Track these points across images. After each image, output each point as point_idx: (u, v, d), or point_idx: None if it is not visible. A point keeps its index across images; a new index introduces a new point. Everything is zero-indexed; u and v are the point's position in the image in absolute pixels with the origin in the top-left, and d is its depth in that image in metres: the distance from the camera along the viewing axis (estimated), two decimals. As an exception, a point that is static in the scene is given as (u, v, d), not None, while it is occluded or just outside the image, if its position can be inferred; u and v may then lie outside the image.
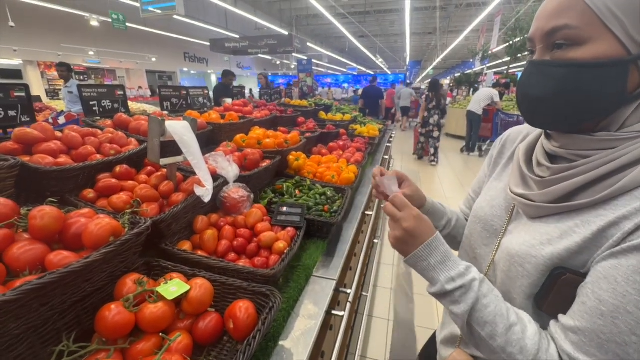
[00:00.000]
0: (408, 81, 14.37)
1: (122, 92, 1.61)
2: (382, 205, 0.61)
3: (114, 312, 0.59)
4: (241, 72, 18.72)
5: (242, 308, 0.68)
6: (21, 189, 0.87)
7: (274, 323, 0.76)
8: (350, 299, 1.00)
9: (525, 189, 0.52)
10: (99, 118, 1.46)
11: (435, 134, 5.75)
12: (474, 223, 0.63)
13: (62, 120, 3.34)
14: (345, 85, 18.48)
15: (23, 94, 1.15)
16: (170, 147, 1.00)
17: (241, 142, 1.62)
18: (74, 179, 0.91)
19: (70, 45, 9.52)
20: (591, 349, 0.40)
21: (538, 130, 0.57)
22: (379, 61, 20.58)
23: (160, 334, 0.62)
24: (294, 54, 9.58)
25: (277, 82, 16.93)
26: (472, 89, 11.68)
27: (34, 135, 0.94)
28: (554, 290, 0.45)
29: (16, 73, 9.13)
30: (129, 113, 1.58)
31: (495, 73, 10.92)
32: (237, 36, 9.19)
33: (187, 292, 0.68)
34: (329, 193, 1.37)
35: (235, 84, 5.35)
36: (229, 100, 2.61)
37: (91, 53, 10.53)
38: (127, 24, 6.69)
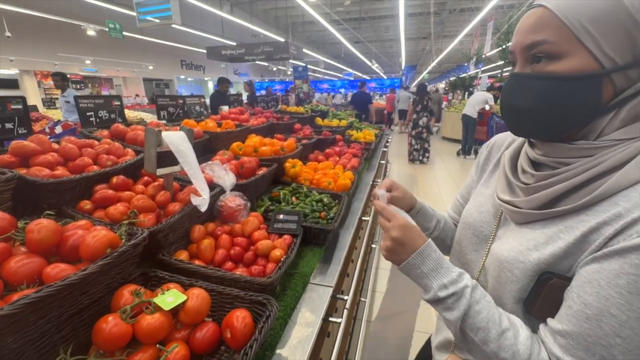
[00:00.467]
0: (404, 85, 14.47)
1: (118, 103, 1.63)
2: (371, 198, 0.62)
3: (111, 324, 0.60)
4: (238, 79, 18.81)
5: (239, 317, 0.69)
6: (18, 202, 0.88)
7: (271, 331, 0.76)
8: (348, 305, 1.01)
9: (511, 196, 0.53)
10: (95, 129, 1.47)
11: (425, 134, 6.12)
12: (464, 229, 0.65)
13: (59, 129, 3.35)
14: (342, 90, 18.60)
15: (20, 107, 1.16)
16: (167, 157, 1.01)
17: (238, 150, 1.63)
18: (71, 190, 0.92)
19: (66, 55, 9.55)
20: (578, 351, 0.41)
21: (522, 137, 0.58)
22: (375, 66, 20.77)
23: (157, 345, 0.62)
24: (290, 61, 9.65)
25: (274, 88, 17.00)
26: (467, 93, 11.80)
27: (31, 147, 0.94)
28: (542, 295, 0.46)
29: (13, 83, 9.14)
30: (125, 123, 1.59)
31: (489, 77, 11.04)
32: (234, 43, 9.26)
33: (184, 303, 0.69)
34: (325, 200, 1.39)
35: (232, 90, 5.38)
36: (225, 108, 2.63)
37: (88, 62, 10.57)
38: (124, 33, 6.74)
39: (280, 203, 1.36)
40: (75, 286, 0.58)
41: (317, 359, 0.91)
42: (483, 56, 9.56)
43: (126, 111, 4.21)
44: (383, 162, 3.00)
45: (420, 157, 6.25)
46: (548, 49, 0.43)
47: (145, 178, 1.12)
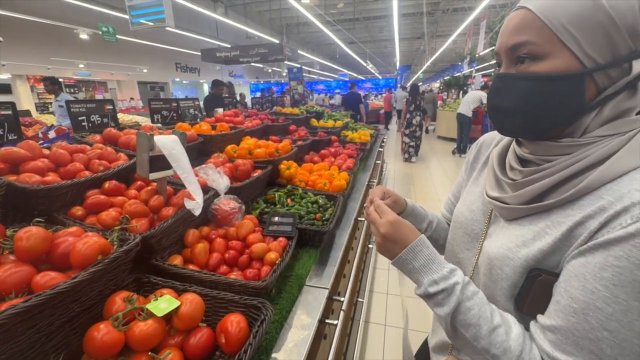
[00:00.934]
0: (401, 85, 14.53)
1: (111, 107, 1.61)
2: (363, 211, 0.63)
3: (102, 332, 0.59)
4: (234, 81, 18.75)
5: (234, 322, 0.68)
6: (8, 209, 0.87)
7: (267, 335, 0.76)
8: (344, 306, 1.00)
9: (500, 192, 0.54)
10: (88, 133, 1.45)
11: (418, 133, 6.35)
12: (455, 228, 0.65)
13: (52, 134, 3.31)
14: (338, 91, 18.63)
15: (9, 112, 1.15)
16: (160, 162, 1.01)
17: (232, 152, 1.63)
18: (62, 196, 0.91)
19: (59, 59, 9.47)
20: (568, 346, 0.41)
21: None
22: (370, 66, 20.83)
23: (150, 353, 0.62)
24: (285, 62, 9.65)
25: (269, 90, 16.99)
26: (461, 92, 11.87)
27: (21, 154, 0.93)
28: (531, 292, 0.46)
29: (5, 87, 9.03)
30: (118, 127, 1.58)
31: (483, 75, 11.13)
32: (228, 45, 9.24)
33: (177, 308, 0.68)
34: (320, 201, 1.38)
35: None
36: (220, 111, 2.62)
37: (81, 66, 10.48)
38: (117, 36, 6.69)
39: (276, 205, 1.36)
40: (65, 294, 0.57)
41: (313, 362, 0.91)
42: (476, 55, 9.62)
43: (121, 115, 4.18)
44: (379, 162, 3.01)
45: (411, 156, 6.45)
46: (531, 50, 0.44)
47: (139, 182, 1.11)
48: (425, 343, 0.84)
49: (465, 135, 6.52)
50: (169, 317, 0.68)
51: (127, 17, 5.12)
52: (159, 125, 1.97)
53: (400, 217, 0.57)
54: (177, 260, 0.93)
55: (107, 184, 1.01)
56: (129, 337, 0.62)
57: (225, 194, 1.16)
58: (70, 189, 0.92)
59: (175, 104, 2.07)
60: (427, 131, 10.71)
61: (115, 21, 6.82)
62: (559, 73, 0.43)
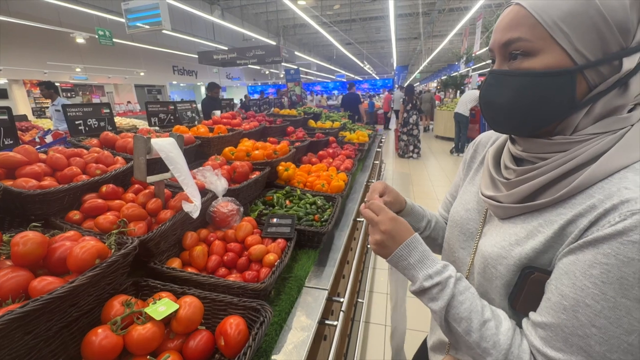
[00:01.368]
0: (397, 85, 14.56)
1: (108, 110, 1.61)
2: (360, 209, 0.63)
3: (100, 336, 0.59)
4: (231, 83, 18.78)
5: (233, 324, 0.68)
6: (5, 213, 0.87)
7: (266, 337, 0.76)
8: (344, 307, 1.00)
9: (494, 191, 0.54)
10: (85, 137, 1.45)
11: (415, 131, 6.52)
12: (452, 227, 0.65)
13: (49, 139, 3.30)
14: (335, 92, 18.65)
15: (5, 117, 1.14)
16: (157, 165, 1.01)
17: (230, 154, 1.63)
18: (59, 201, 0.91)
19: (56, 63, 9.45)
20: (557, 343, 0.41)
21: (505, 135, 0.59)
22: (367, 67, 20.88)
23: (149, 357, 0.61)
24: (282, 63, 9.67)
25: (267, 91, 16.99)
26: (458, 91, 11.91)
27: (17, 158, 0.93)
28: (525, 290, 0.47)
29: (1, 92, 9.01)
30: (115, 131, 1.58)
31: (480, 75, 11.16)
32: (225, 48, 9.24)
33: (176, 311, 0.68)
34: (319, 202, 1.38)
35: (225, 95, 5.36)
36: (217, 113, 2.62)
37: (78, 70, 10.46)
38: (114, 40, 6.69)
39: (274, 207, 1.36)
40: (62, 299, 0.57)
41: (314, 363, 0.91)
42: (473, 55, 9.66)
43: (118, 118, 4.17)
44: (377, 162, 3.01)
45: (412, 154, 6.63)
46: (523, 46, 0.44)
47: (136, 186, 1.11)
48: (424, 343, 0.84)
49: (463, 134, 6.54)
50: (167, 321, 0.68)
51: (123, 20, 5.12)
52: (157, 128, 1.97)
53: (397, 215, 0.57)
54: (175, 263, 0.93)
55: (104, 188, 1.00)
56: (127, 341, 0.61)
57: (224, 196, 1.16)
58: (67, 193, 0.91)
59: (172, 107, 2.07)
60: (425, 130, 10.76)
61: (111, 25, 6.82)
62: (550, 70, 0.43)
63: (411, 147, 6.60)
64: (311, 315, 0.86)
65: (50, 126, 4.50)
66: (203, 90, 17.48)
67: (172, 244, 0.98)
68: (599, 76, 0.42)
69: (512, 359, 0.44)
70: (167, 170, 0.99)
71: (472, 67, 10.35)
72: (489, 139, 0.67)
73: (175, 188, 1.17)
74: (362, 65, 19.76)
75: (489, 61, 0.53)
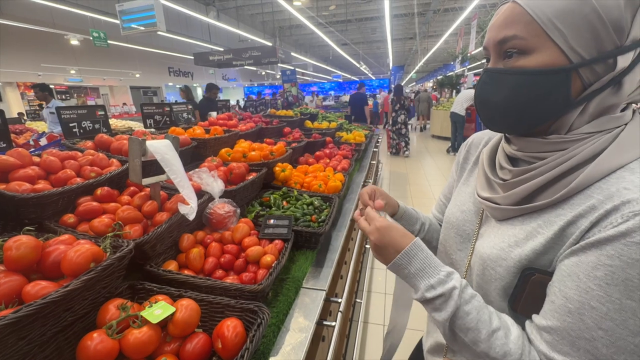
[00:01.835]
0: (393, 85, 14.62)
1: (102, 112, 1.60)
2: (354, 217, 0.63)
3: (96, 341, 0.58)
4: (227, 84, 18.73)
5: (230, 327, 0.67)
6: (-2, 218, 0.86)
7: (264, 339, 0.75)
8: (342, 308, 1.00)
9: (490, 192, 0.53)
10: (79, 140, 1.44)
11: (403, 130, 6.78)
12: (447, 229, 0.65)
13: (43, 141, 3.26)
14: (332, 92, 18.66)
15: (-2, 120, 1.13)
16: (153, 167, 1.00)
17: (226, 156, 1.62)
18: (53, 204, 0.90)
19: (50, 65, 9.37)
20: (564, 347, 0.41)
21: (499, 135, 0.59)
22: (363, 67, 20.92)
23: (145, 360, 0.61)
24: (278, 64, 9.65)
25: (264, 92, 16.96)
26: (454, 91, 11.97)
27: (10, 162, 0.92)
28: (525, 292, 0.46)
29: (-5, 95, 8.92)
30: (110, 133, 1.56)
31: (475, 74, 11.22)
32: (221, 49, 9.23)
33: (172, 314, 0.67)
34: (316, 203, 1.38)
35: (222, 96, 5.36)
36: (213, 114, 2.61)
37: (73, 72, 10.38)
38: (109, 41, 6.64)
39: (271, 208, 1.35)
40: (57, 304, 0.56)
41: (312, 364, 0.90)
42: (468, 54, 9.72)
43: (114, 120, 4.14)
44: (374, 162, 3.02)
45: (403, 151, 6.87)
46: (518, 44, 0.44)
47: (132, 188, 1.10)
48: (420, 344, 0.83)
49: (459, 134, 6.58)
50: (164, 324, 0.68)
51: (118, 22, 5.09)
52: (152, 130, 1.95)
53: (392, 221, 0.56)
54: (172, 265, 0.92)
55: (99, 191, 1.00)
56: (123, 345, 0.61)
57: (220, 197, 1.15)
58: (61, 197, 0.91)
59: (168, 109, 2.06)
60: (422, 129, 10.80)
61: (106, 26, 6.77)
62: (545, 68, 0.43)
63: (402, 144, 6.85)
64: (309, 316, 0.86)
65: (44, 129, 4.46)
66: (199, 91, 17.42)
67: (168, 247, 0.97)
68: (593, 75, 0.42)
69: None
70: (162, 172, 0.99)
71: (468, 67, 10.42)
72: (482, 140, 0.67)
73: (171, 190, 1.17)
74: (358, 65, 19.80)
75: (484, 61, 0.53)
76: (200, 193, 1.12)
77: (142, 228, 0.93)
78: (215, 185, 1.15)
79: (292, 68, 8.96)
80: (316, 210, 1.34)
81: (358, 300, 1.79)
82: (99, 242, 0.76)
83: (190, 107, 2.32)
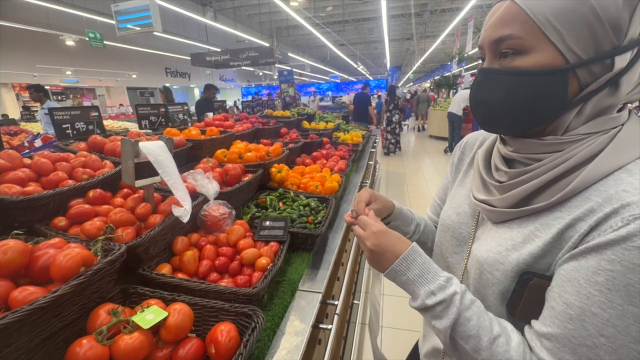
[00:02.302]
0: (394, 85, 14.64)
1: (96, 113, 1.58)
2: (345, 219, 0.63)
3: (85, 347, 0.57)
4: (224, 85, 18.67)
5: (224, 331, 0.66)
6: (-13, 222, 0.84)
7: (258, 343, 0.74)
8: (339, 310, 0.99)
9: (486, 195, 0.52)
10: (72, 141, 1.42)
11: (397, 129, 7.08)
12: (443, 232, 0.63)
13: (38, 142, 3.23)
14: (329, 93, 18.64)
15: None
16: (146, 168, 0.98)
17: (222, 157, 1.61)
18: (44, 207, 0.88)
19: (46, 66, 9.30)
20: (566, 354, 0.40)
21: (494, 135, 0.58)
22: (360, 68, 20.94)
23: (136, 367, 0.59)
24: (276, 65, 9.64)
25: (261, 93, 16.93)
26: (451, 91, 12.01)
27: (0, 164, 0.90)
28: (524, 296, 0.45)
29: (-11, 96, 8.84)
30: (104, 134, 1.55)
31: (472, 75, 11.27)
32: (218, 49, 9.19)
33: (165, 319, 0.66)
34: (312, 204, 1.37)
35: (219, 97, 5.34)
36: (210, 115, 2.59)
37: (68, 72, 10.31)
38: (105, 42, 6.60)
39: (267, 209, 1.34)
40: (45, 309, 0.55)
41: (308, 368, 0.89)
42: (465, 55, 9.75)
43: (110, 121, 4.11)
44: (371, 162, 3.01)
45: (394, 150, 7.11)
46: (514, 44, 0.43)
47: (125, 190, 1.08)
48: (416, 348, 0.82)
49: (456, 134, 6.59)
50: (156, 329, 0.66)
51: (113, 22, 5.06)
52: (148, 131, 1.94)
53: (386, 226, 0.55)
54: (165, 269, 0.91)
55: (91, 193, 0.98)
56: (114, 351, 0.59)
57: (215, 199, 1.14)
58: (52, 199, 0.89)
59: (163, 110, 2.04)
60: (420, 129, 10.84)
61: (102, 27, 6.73)
62: (542, 68, 0.42)
63: (395, 144, 7.09)
64: (305, 319, 0.85)
65: (39, 130, 4.42)
66: (197, 92, 17.37)
67: (161, 250, 0.96)
68: (590, 75, 0.41)
69: None
70: (156, 173, 0.97)
71: (465, 67, 10.44)
72: (476, 140, 0.66)
73: (166, 192, 1.15)
74: (355, 66, 19.82)
75: (481, 64, 0.52)
76: (195, 195, 1.10)
77: (135, 231, 0.91)
78: (210, 186, 1.14)
79: (290, 69, 8.96)
80: (313, 212, 1.33)
81: (355, 301, 1.77)
82: (89, 246, 0.74)
83: (186, 107, 2.30)
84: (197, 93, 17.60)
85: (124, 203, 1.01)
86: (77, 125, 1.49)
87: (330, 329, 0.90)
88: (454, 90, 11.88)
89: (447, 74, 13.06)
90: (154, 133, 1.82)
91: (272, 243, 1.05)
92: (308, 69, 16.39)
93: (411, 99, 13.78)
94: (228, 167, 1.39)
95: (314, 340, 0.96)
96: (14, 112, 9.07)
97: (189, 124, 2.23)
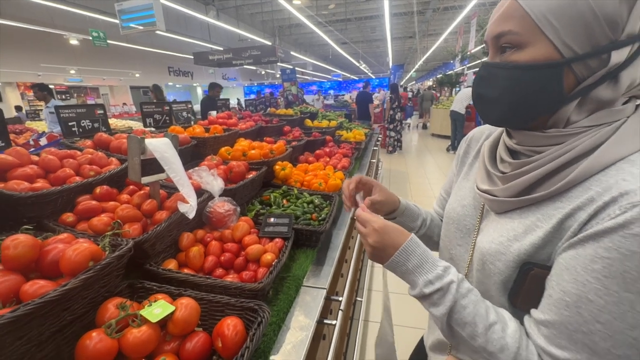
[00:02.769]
0: (396, 84, 14.60)
1: (102, 111, 1.59)
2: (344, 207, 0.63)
3: (95, 340, 0.58)
4: (227, 84, 18.70)
5: (230, 325, 0.67)
6: (-4, 217, 0.85)
7: (264, 338, 0.75)
8: (342, 306, 1.00)
9: (490, 185, 0.53)
10: (78, 139, 1.43)
11: (399, 127, 7.13)
12: (448, 224, 0.64)
13: (43, 141, 3.26)
14: (331, 92, 18.60)
15: (-4, 119, 1.12)
16: (152, 165, 0.99)
17: (226, 154, 1.61)
18: (52, 203, 0.89)
19: (50, 65, 9.36)
20: (562, 340, 0.40)
21: (500, 129, 0.59)
22: (362, 66, 20.88)
23: None
24: (278, 64, 9.64)
25: (264, 92, 16.94)
26: (454, 90, 11.95)
27: (8, 160, 0.91)
28: (524, 286, 0.46)
29: (-6, 95, 8.91)
30: (109, 132, 1.56)
31: (474, 73, 11.18)
32: (221, 48, 9.20)
33: (172, 313, 0.67)
34: (316, 201, 1.37)
35: (222, 95, 5.35)
36: (213, 113, 2.60)
37: (72, 72, 10.37)
38: (109, 41, 6.63)
39: (271, 206, 1.35)
40: (55, 303, 0.56)
41: (313, 363, 0.90)
42: (468, 53, 9.70)
43: (114, 120, 4.13)
44: (374, 160, 3.01)
45: (397, 148, 7.15)
46: (513, 39, 0.44)
47: (131, 187, 1.09)
48: (422, 342, 0.83)
49: (459, 132, 6.57)
50: (164, 323, 0.67)
51: (117, 21, 5.08)
52: (152, 129, 1.95)
53: (387, 220, 0.56)
54: (171, 264, 0.92)
55: (98, 189, 0.99)
56: (122, 344, 0.60)
57: (220, 196, 1.15)
58: (60, 195, 0.90)
59: (167, 108, 2.05)
60: (424, 127, 10.81)
61: (105, 26, 6.75)
62: (537, 62, 0.43)
63: (397, 142, 7.10)
64: (310, 314, 0.86)
65: (44, 129, 4.45)
66: (199, 91, 17.41)
67: (168, 245, 0.97)
68: (587, 69, 0.42)
69: None
70: (162, 170, 0.98)
71: (467, 66, 10.39)
72: (482, 134, 0.67)
73: (171, 189, 1.16)
74: (358, 64, 19.77)
75: (484, 59, 0.53)
76: (200, 191, 1.11)
77: (141, 227, 0.92)
78: (215, 183, 1.15)
79: (292, 67, 8.95)
80: (316, 209, 1.33)
81: (359, 298, 1.78)
82: (97, 241, 0.75)
83: (190, 105, 2.31)
84: (199, 92, 17.65)
85: (130, 199, 1.02)
86: (83, 122, 1.50)
87: (335, 325, 0.91)
88: (457, 89, 11.82)
89: (449, 72, 12.99)
90: (158, 131, 1.83)
91: (276, 239, 1.06)
92: (310, 67, 16.39)
93: (414, 97, 13.73)
94: (232, 165, 1.39)
95: (319, 335, 0.97)
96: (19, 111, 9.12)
97: (193, 122, 2.24)
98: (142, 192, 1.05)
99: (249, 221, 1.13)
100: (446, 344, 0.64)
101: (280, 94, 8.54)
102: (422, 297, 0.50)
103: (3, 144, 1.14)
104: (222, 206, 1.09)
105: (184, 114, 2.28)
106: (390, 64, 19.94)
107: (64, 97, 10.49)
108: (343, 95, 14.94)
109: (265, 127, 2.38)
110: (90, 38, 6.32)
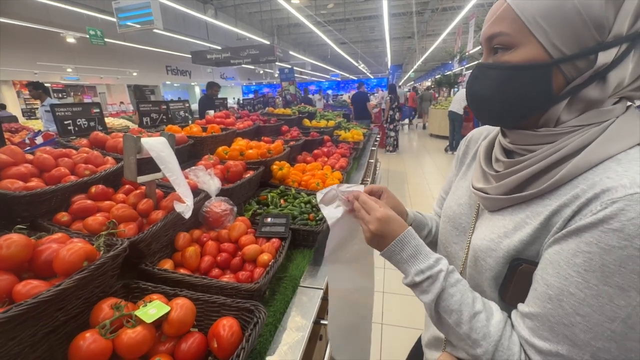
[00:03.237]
0: (395, 84, 14.60)
1: (98, 110, 1.58)
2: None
3: (88, 341, 0.57)
4: (225, 83, 18.66)
5: (226, 326, 0.67)
6: (-10, 217, 0.84)
7: (260, 338, 0.75)
8: (339, 307, 0.99)
9: (484, 184, 0.55)
10: (74, 137, 1.42)
11: (398, 127, 7.35)
12: (444, 222, 0.66)
13: (39, 140, 3.23)
14: (330, 91, 18.59)
15: (-9, 117, 1.11)
16: (148, 164, 0.99)
17: (223, 154, 1.61)
18: (46, 202, 0.88)
19: (46, 63, 9.29)
20: (544, 332, 0.42)
21: (497, 129, 0.60)
22: (361, 66, 20.89)
23: (139, 360, 0.60)
24: (276, 63, 9.62)
25: (262, 91, 16.90)
26: (452, 90, 11.99)
27: (2, 159, 0.90)
28: (513, 282, 0.47)
29: (-10, 93, 8.84)
30: (105, 131, 1.55)
31: (473, 73, 11.23)
32: (219, 47, 9.17)
33: (167, 314, 0.66)
34: (314, 201, 1.37)
35: (220, 95, 5.33)
36: (211, 112, 2.59)
37: (69, 70, 10.30)
38: (106, 39, 6.58)
39: (268, 206, 1.34)
40: (48, 303, 0.55)
41: (309, 364, 0.90)
42: (466, 54, 9.72)
43: (111, 119, 4.11)
44: (372, 160, 3.01)
45: (396, 147, 7.26)
46: (504, 40, 0.46)
47: (127, 186, 1.09)
48: (419, 341, 0.83)
49: (457, 132, 6.58)
50: (159, 323, 0.66)
51: (114, 19, 5.05)
52: (152, 129, 1.94)
53: (390, 210, 0.57)
54: (167, 264, 0.91)
55: (93, 189, 0.98)
56: (117, 345, 0.60)
57: (217, 195, 1.14)
58: (54, 195, 0.89)
59: (164, 107, 2.04)
60: (424, 127, 10.85)
61: (102, 24, 6.72)
62: (526, 63, 0.44)
63: (395, 142, 7.22)
64: (306, 315, 0.85)
65: (40, 127, 4.42)
66: (197, 90, 17.35)
67: (164, 245, 0.96)
68: (575, 70, 0.43)
69: (502, 350, 0.44)
70: (158, 170, 0.97)
71: (466, 66, 10.41)
72: (481, 135, 0.68)
73: (167, 188, 1.15)
74: (356, 64, 19.77)
75: (480, 60, 0.54)
76: (196, 191, 1.10)
77: (137, 226, 0.92)
78: (211, 183, 1.14)
79: (290, 67, 8.94)
80: (314, 209, 1.33)
81: (356, 299, 1.78)
82: (92, 241, 0.75)
83: (187, 105, 2.30)
84: (197, 91, 17.59)
85: (126, 199, 1.01)
86: (79, 121, 1.49)
87: (332, 325, 0.91)
88: (455, 89, 11.85)
89: (448, 73, 13.01)
90: (154, 130, 1.82)
91: (273, 239, 1.06)
92: (309, 67, 16.37)
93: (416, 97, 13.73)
94: (229, 164, 1.39)
95: (315, 335, 0.97)
96: (15, 110, 9.06)
97: (190, 121, 2.23)
98: (138, 191, 1.04)
99: (246, 221, 1.12)
100: (441, 341, 0.65)
101: (279, 93, 8.53)
102: (413, 285, 0.52)
103: (-3, 143, 1.13)
104: (218, 206, 1.09)
105: (181, 113, 2.27)
106: (389, 64, 19.95)
107: (60, 95, 10.44)
108: (342, 95, 14.94)
109: (263, 127, 2.38)
110: (88, 36, 6.28)
